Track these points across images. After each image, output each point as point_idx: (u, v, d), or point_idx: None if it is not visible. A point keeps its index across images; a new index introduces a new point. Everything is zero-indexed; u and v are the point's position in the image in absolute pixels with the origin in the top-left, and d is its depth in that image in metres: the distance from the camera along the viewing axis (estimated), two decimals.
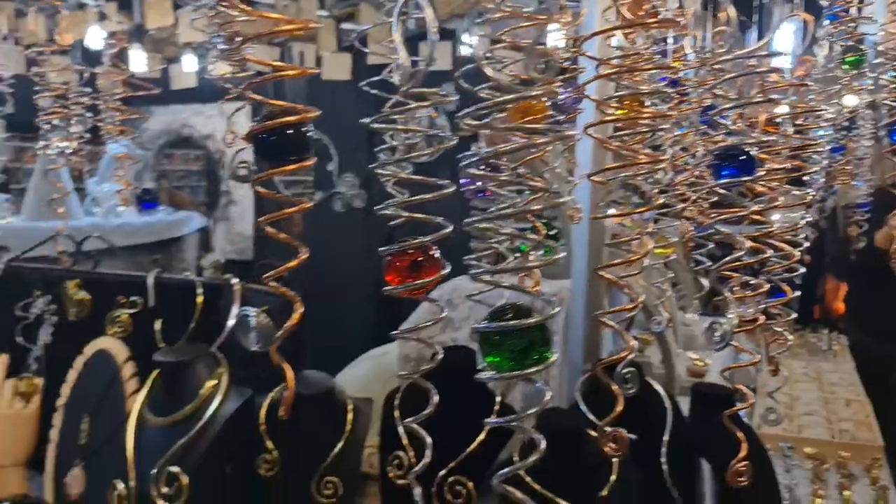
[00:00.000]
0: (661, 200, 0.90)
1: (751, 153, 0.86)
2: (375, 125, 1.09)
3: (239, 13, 1.05)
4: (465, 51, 4.39)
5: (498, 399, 1.47)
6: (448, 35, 5.06)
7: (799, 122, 1.25)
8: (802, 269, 1.25)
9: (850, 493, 1.91)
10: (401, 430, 1.32)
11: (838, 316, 4.65)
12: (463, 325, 1.88)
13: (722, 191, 0.89)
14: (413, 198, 1.04)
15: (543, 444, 0.85)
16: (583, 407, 1.51)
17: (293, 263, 0.96)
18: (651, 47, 0.94)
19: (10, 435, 1.74)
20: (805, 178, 1.82)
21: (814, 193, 2.16)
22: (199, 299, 1.72)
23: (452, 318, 1.87)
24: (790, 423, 2.43)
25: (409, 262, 0.96)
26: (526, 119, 0.97)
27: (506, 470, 0.85)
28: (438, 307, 1.06)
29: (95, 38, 2.21)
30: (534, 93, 0.86)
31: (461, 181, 1.71)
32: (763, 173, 0.90)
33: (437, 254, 0.97)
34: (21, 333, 1.86)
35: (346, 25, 5.64)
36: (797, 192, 1.18)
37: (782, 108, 1.21)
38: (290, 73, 0.95)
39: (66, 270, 1.91)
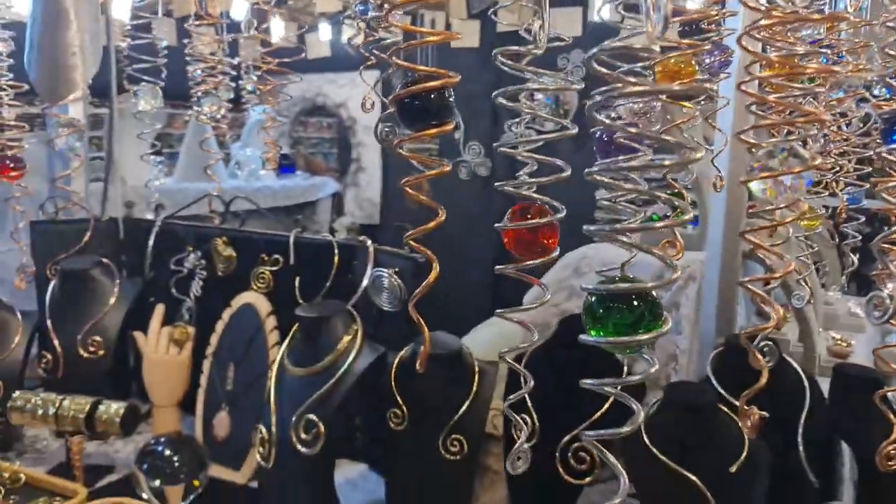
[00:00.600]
0: (818, 161, 0.85)
1: None
2: (500, 101, 1.09)
3: None
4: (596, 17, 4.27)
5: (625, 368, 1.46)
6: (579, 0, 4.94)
7: None
8: None
9: None
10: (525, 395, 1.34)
11: None
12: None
13: (890, 157, 0.83)
14: (531, 180, 1.03)
15: (641, 416, 0.80)
16: (714, 381, 1.48)
17: (432, 224, 0.98)
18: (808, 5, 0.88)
19: (165, 378, 1.90)
20: None
21: None
22: (336, 259, 1.81)
23: (576, 286, 1.86)
24: None
25: (528, 228, 0.96)
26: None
27: (599, 432, 0.82)
28: (544, 289, 1.05)
29: (241, 9, 2.32)
30: (673, 54, 0.83)
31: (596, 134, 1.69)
32: None
33: (554, 217, 0.97)
34: (175, 286, 2.01)
35: None
36: None
37: None
38: (433, 38, 0.97)
39: (215, 228, 2.05)
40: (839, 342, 1.81)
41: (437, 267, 1.05)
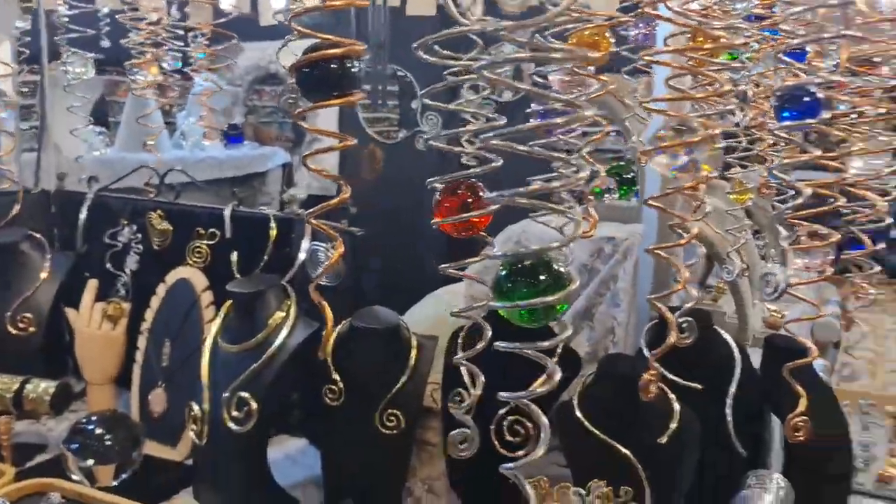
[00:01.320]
0: (717, 132, 0.83)
1: (817, 94, 0.79)
2: (452, 77, 1.07)
3: None
4: None
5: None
6: None
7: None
8: (890, 220, 1.17)
9: None
10: (462, 368, 1.34)
11: None
12: None
13: (783, 135, 0.84)
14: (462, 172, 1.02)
15: (558, 377, 0.81)
16: (647, 353, 1.49)
17: (334, 201, 0.96)
18: None
19: (99, 355, 1.86)
20: None
21: None
22: (273, 233, 1.77)
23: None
24: (874, 380, 2.33)
25: (459, 202, 0.95)
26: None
27: (515, 394, 0.82)
28: (491, 246, 1.04)
29: None
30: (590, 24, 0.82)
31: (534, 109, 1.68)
32: (828, 116, 0.83)
33: (484, 194, 0.95)
34: (110, 260, 1.96)
35: None
36: (884, 138, 1.09)
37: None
38: (338, 3, 0.93)
39: (150, 201, 1.99)
40: (773, 313, 1.85)
41: (340, 247, 1.03)
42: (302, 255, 1.64)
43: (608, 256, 1.76)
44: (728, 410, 1.45)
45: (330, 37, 0.90)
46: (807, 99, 0.81)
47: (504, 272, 0.78)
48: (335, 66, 0.90)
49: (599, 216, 1.44)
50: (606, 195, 2.13)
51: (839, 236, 0.96)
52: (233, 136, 3.91)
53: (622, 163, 1.83)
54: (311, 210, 0.98)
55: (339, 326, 1.53)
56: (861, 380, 2.28)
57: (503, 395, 0.84)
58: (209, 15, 2.31)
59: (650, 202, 1.03)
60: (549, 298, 0.76)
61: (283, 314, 1.51)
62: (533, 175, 1.30)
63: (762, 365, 1.57)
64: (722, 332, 1.56)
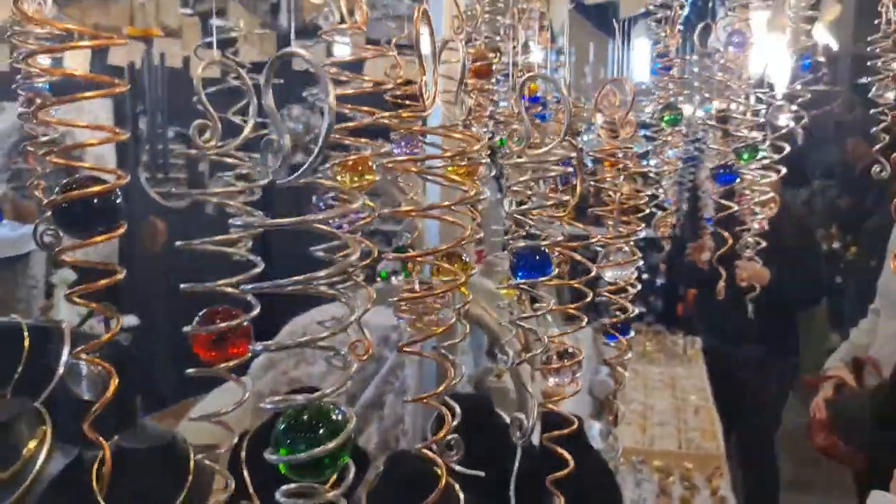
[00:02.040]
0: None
1: (546, 252, 0.87)
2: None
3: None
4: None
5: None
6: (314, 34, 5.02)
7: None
8: (635, 312, 1.30)
9: None
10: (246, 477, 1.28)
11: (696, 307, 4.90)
12: (318, 360, 1.84)
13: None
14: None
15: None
16: (433, 446, 1.51)
17: (103, 282, 0.89)
18: None
19: None
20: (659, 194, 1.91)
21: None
22: (26, 343, 1.60)
23: (306, 352, 1.83)
24: (643, 434, 2.54)
25: (215, 334, 0.92)
26: None
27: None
28: (244, 385, 1.02)
29: None
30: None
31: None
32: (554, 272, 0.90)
33: (244, 320, 0.93)
34: None
35: (213, 21, 5.44)
36: (626, 249, 1.22)
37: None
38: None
39: None
40: (545, 404, 1.97)
41: (115, 382, 0.96)
42: (60, 370, 1.49)
43: (394, 344, 1.78)
44: (511, 493, 1.51)
45: (86, 164, 0.84)
46: (538, 258, 0.88)
47: (282, 427, 0.76)
48: (97, 201, 0.84)
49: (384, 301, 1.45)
50: (393, 277, 2.16)
51: (582, 355, 1.05)
52: None
53: (401, 244, 1.87)
54: (71, 290, 0.89)
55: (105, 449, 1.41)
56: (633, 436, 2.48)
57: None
58: None
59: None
60: (330, 445, 0.75)
61: (37, 442, 1.36)
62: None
63: (540, 442, 1.65)
64: (503, 414, 1.62)
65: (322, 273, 0.79)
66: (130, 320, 3.79)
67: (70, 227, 0.89)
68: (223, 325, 0.94)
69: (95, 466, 1.35)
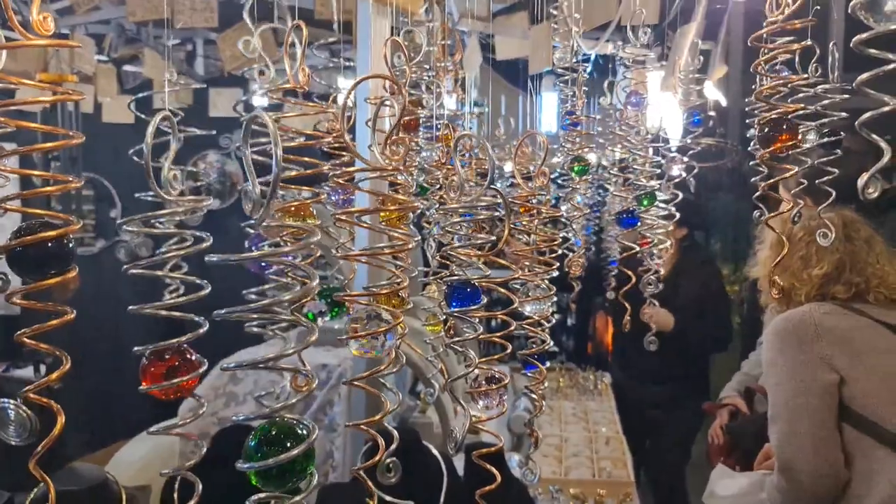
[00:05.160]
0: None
1: (476, 285, 0.99)
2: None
3: None
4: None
5: None
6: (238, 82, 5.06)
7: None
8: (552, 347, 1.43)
9: None
10: None
11: (608, 351, 5.11)
12: (247, 399, 1.88)
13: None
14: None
15: None
16: (364, 479, 1.58)
17: (55, 322, 0.92)
18: None
19: None
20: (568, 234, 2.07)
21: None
22: None
23: (236, 392, 1.87)
24: (559, 465, 2.67)
25: (165, 368, 0.97)
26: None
27: None
28: (201, 403, 1.07)
29: None
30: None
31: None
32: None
33: (193, 356, 0.99)
34: None
35: (128, 68, 5.41)
36: (545, 287, 1.35)
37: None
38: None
39: None
40: (473, 418, 2.07)
41: (62, 420, 0.99)
42: None
43: (323, 383, 1.84)
44: None
45: (41, 211, 0.89)
46: (469, 290, 1.00)
47: (253, 442, 0.83)
48: (52, 245, 0.89)
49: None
50: (319, 318, 2.23)
51: (508, 379, 1.16)
52: None
53: (333, 286, 1.95)
54: (23, 332, 0.92)
55: (35, 491, 1.40)
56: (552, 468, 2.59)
57: None
58: None
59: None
60: (294, 452, 0.83)
61: None
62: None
63: (465, 472, 1.74)
64: (429, 446, 1.71)
65: (286, 297, 0.86)
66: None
67: (26, 272, 0.93)
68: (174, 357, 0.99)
69: None
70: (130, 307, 1.03)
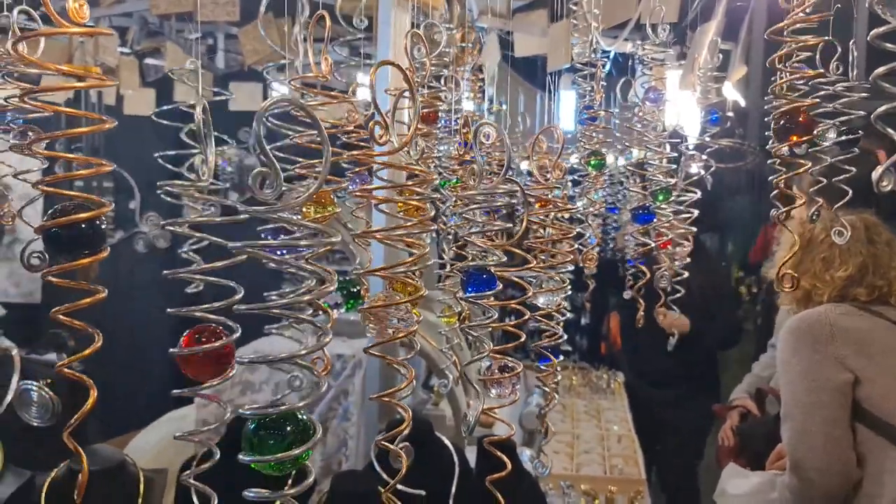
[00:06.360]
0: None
1: (491, 271, 1.01)
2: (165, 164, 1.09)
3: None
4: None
5: None
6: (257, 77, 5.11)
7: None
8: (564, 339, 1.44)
9: None
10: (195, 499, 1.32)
11: (619, 350, 5.11)
12: (263, 388, 1.90)
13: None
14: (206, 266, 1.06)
15: None
16: (377, 467, 1.60)
17: (85, 301, 0.94)
18: None
19: None
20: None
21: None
22: None
23: (252, 381, 1.89)
24: (571, 462, 2.68)
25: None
26: None
27: None
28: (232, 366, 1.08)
29: None
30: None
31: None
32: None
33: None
34: None
35: (150, 61, 5.46)
36: (558, 278, 1.36)
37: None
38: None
39: None
40: (486, 412, 2.08)
41: (94, 394, 1.01)
42: (9, 396, 1.52)
43: (338, 373, 1.86)
44: None
45: (77, 194, 0.91)
46: (485, 276, 1.01)
47: (252, 426, 0.84)
48: (85, 226, 0.91)
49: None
50: (334, 310, 2.24)
51: (521, 367, 1.17)
52: None
53: (350, 278, 1.97)
54: (57, 309, 0.95)
55: (56, 471, 1.44)
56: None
57: None
58: None
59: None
60: (295, 452, 0.84)
61: None
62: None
63: (477, 464, 1.75)
64: (442, 437, 1.72)
65: (305, 297, 0.88)
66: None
67: (60, 251, 0.96)
68: (217, 343, 0.99)
69: (46, 488, 1.38)
70: (169, 310, 1.03)
